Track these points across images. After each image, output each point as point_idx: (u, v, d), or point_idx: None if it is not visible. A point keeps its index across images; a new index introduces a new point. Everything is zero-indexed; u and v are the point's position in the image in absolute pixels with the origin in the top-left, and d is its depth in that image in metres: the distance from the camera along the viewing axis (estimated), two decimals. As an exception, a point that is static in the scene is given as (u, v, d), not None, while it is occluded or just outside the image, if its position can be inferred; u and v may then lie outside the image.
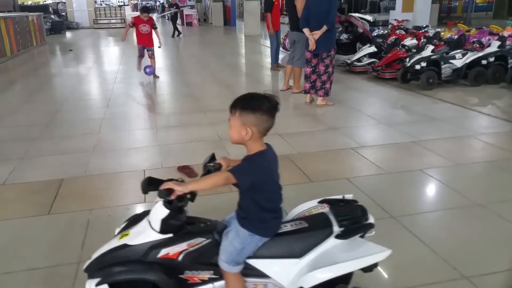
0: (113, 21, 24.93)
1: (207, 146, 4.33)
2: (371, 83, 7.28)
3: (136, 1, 34.39)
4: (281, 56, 9.16)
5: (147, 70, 7.79)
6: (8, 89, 7.79)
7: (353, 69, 8.05)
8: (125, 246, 1.69)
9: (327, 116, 5.36)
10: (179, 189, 1.60)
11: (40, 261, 2.44)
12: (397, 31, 9.28)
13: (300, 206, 1.97)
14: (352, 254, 1.67)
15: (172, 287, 1.68)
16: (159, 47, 8.54)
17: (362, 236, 1.78)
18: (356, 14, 9.83)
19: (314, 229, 1.74)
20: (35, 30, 15.02)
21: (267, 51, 12.49)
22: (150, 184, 1.66)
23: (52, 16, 22.57)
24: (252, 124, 1.64)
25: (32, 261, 2.44)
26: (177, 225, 1.70)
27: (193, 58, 11.48)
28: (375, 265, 1.74)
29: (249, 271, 1.73)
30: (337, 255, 1.67)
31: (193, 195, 1.71)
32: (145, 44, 7.95)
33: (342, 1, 27.00)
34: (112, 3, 45.72)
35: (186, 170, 3.65)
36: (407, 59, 6.71)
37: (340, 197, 1.87)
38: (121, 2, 48.95)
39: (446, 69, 6.60)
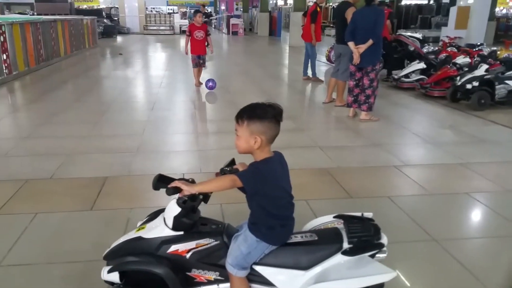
0: (162, 27, 25.76)
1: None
2: (418, 100, 7.07)
3: (185, 9, 35.31)
4: (324, 68, 9.12)
5: (209, 84, 7.35)
6: (61, 88, 8.17)
7: (400, 85, 7.86)
8: (140, 238, 1.79)
9: (370, 131, 5.24)
10: (186, 189, 1.68)
11: (79, 255, 2.51)
12: (448, 49, 8.99)
13: (316, 219, 1.97)
14: (357, 272, 1.65)
15: (178, 283, 1.72)
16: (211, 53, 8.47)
17: (373, 256, 1.73)
18: (406, 33, 9.65)
19: (323, 243, 1.74)
20: (89, 33, 15.69)
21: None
22: (161, 181, 1.73)
23: (105, 20, 23.51)
24: (260, 133, 1.69)
25: (72, 255, 2.51)
26: (188, 223, 1.76)
27: (237, 66, 11.62)
28: (380, 286, 1.69)
29: (256, 277, 1.74)
30: (342, 271, 1.66)
31: (206, 196, 1.80)
32: (200, 52, 7.69)
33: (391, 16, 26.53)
34: (162, 11, 47.23)
35: (225, 177, 3.65)
36: (458, 78, 6.47)
37: (358, 214, 1.83)
38: (171, 9, 50.42)
39: (500, 90, 6.30)
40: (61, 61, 11.68)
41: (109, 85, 8.61)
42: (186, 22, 27.44)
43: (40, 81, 8.77)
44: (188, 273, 1.78)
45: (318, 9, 8.23)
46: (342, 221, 1.79)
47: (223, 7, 32.34)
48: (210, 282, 1.80)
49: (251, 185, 1.69)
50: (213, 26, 36.94)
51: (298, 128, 5.29)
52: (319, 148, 4.45)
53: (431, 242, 2.71)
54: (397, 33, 9.51)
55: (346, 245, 1.69)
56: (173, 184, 1.70)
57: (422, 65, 7.75)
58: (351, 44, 5.43)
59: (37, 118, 5.59)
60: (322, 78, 8.95)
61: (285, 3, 47.21)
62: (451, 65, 7.21)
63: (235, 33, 24.69)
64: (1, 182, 3.56)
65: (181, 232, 1.77)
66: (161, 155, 4.33)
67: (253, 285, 1.76)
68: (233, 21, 25.10)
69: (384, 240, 1.74)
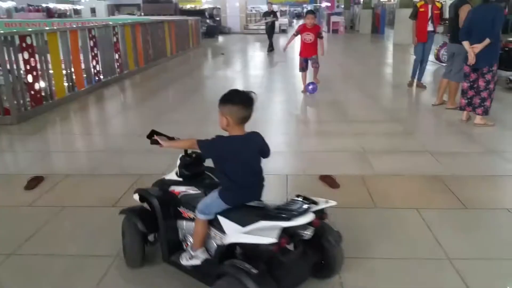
0: (262, 27, 26.23)
1: (350, 157, 4.27)
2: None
3: (285, 8, 35.60)
4: (432, 68, 8.54)
5: (310, 87, 7.19)
6: (169, 87, 8.73)
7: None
8: (163, 179, 2.50)
9: (485, 137, 4.82)
10: (161, 143, 2.23)
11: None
12: None
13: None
14: (260, 232, 1.91)
15: (166, 214, 2.33)
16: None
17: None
18: None
19: (263, 210, 2.08)
20: (193, 33, 16.22)
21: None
22: (152, 134, 2.29)
23: (208, 20, 24.47)
24: (228, 114, 2.05)
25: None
26: (186, 173, 2.36)
27: (338, 66, 11.41)
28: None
29: (216, 224, 2.15)
30: (259, 231, 1.92)
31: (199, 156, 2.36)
32: (307, 54, 7.21)
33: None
34: (262, 10, 48.09)
35: (328, 180, 3.64)
36: None
37: (323, 200, 2.11)
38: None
39: None
40: (168, 61, 12.33)
41: (213, 84, 8.99)
42: (286, 20, 27.67)
43: (149, 80, 9.45)
44: (178, 208, 2.36)
45: (420, 3, 7.27)
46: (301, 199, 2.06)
47: (323, 5, 31.94)
48: (191, 219, 2.29)
49: (205, 151, 2.12)
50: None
51: (405, 132, 5.07)
52: (429, 154, 4.21)
53: None
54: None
55: (274, 213, 1.99)
56: (156, 138, 2.27)
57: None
58: (466, 43, 5.05)
59: (148, 116, 6.04)
60: (430, 78, 8.39)
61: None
62: None
63: (335, 31, 24.25)
64: (117, 176, 3.86)
65: (180, 179, 2.38)
66: (265, 155, 4.44)
67: (213, 228, 2.18)
68: (333, 18, 24.69)
69: (297, 222, 1.91)
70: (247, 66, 12.23)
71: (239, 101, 2.05)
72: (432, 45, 7.56)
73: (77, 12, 37.19)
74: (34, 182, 3.63)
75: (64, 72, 6.92)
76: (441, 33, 21.57)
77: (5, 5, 37.35)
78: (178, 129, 5.42)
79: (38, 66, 6.12)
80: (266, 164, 4.05)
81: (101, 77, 8.30)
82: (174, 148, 2.30)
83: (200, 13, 27.08)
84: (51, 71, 6.47)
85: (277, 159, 4.34)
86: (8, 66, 5.52)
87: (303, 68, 7.34)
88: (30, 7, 36.58)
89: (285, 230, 1.88)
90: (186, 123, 5.34)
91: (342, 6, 29.08)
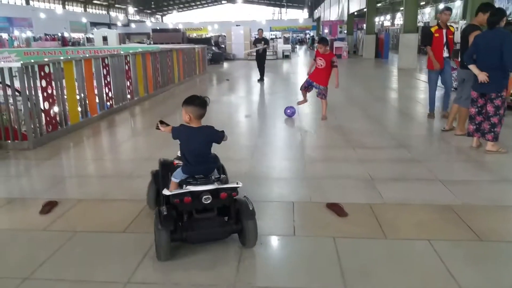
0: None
1: (358, 184, 4.15)
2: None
3: (288, 35, 36.17)
4: (439, 93, 8.43)
5: (288, 111, 7.36)
6: (177, 113, 8.71)
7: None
8: (178, 155, 3.27)
9: (497, 165, 4.70)
10: (160, 128, 3.15)
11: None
12: None
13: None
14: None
15: (160, 171, 3.33)
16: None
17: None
18: None
19: (192, 179, 2.94)
20: (199, 60, 16.69)
21: (422, 86, 11.78)
22: (160, 122, 3.18)
23: (213, 48, 25.10)
24: (189, 112, 2.93)
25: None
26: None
27: (342, 90, 11.39)
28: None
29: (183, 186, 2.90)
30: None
31: None
32: (315, 80, 7.17)
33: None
34: (266, 37, 48.89)
35: (336, 208, 3.53)
36: None
37: (234, 182, 2.92)
38: (274, 35, 51.99)
39: None
40: (175, 87, 12.59)
41: (218, 110, 8.98)
42: (288, 47, 28.06)
43: (157, 106, 9.57)
44: (169, 173, 3.14)
45: (434, 28, 6.98)
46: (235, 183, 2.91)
47: (326, 31, 32.44)
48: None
49: (173, 134, 3.00)
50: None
51: (414, 158, 4.95)
52: (439, 182, 4.09)
53: None
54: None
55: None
56: (159, 125, 3.17)
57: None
58: (473, 67, 5.00)
59: (156, 141, 6.01)
60: (437, 102, 8.26)
61: (392, 24, 45.90)
62: None
63: (338, 56, 24.54)
64: (127, 201, 3.87)
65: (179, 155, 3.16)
66: (270, 181, 4.35)
67: (182, 188, 2.88)
68: (336, 44, 25.04)
69: (196, 188, 2.80)
70: (251, 92, 12.27)
71: (198, 103, 2.93)
72: (450, 70, 7.11)
73: (89, 40, 39.02)
74: (49, 206, 3.73)
75: (78, 98, 7.13)
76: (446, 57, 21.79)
77: (24, 35, 39.41)
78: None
79: (54, 92, 6.32)
80: (272, 191, 4.02)
81: (113, 103, 8.46)
82: (166, 132, 3.09)
83: (206, 41, 27.64)
84: (65, 96, 6.65)
85: (282, 185, 4.26)
86: (27, 93, 5.72)
87: (305, 88, 7.38)
88: (47, 36, 38.43)
89: (192, 193, 2.77)
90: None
91: (345, 32, 29.47)
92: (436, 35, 6.90)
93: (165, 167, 3.29)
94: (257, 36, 14.22)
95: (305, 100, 7.73)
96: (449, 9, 7.18)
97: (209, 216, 2.88)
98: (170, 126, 3.05)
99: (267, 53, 14.83)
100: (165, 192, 2.84)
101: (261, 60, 13.68)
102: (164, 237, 2.69)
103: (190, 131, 2.94)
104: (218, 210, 2.93)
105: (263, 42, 13.51)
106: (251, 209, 2.86)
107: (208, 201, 2.77)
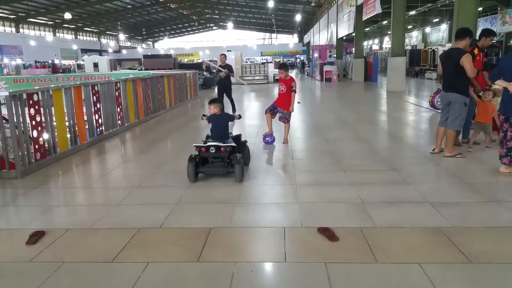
0: (256, 77, 26.92)
1: (348, 208, 4.17)
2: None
3: (279, 59, 36.75)
4: (427, 114, 8.59)
5: (266, 139, 7.36)
6: (167, 139, 8.79)
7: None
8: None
9: (486, 186, 4.74)
10: (203, 118, 5.71)
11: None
12: None
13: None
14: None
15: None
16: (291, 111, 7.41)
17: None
18: None
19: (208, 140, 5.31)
20: (191, 85, 16.79)
21: (411, 108, 11.97)
22: (204, 115, 5.68)
23: (205, 73, 25.33)
24: (216, 106, 5.51)
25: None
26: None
27: (332, 113, 11.54)
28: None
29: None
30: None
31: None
32: (278, 104, 7.28)
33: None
34: (257, 61, 49.67)
35: (327, 233, 3.53)
36: None
37: (230, 144, 5.15)
38: (264, 59, 52.69)
39: None
40: (166, 113, 12.61)
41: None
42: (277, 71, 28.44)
43: (148, 132, 9.54)
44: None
45: (476, 50, 6.43)
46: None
47: (316, 55, 32.99)
48: None
49: (208, 120, 5.52)
50: (305, 73, 37.80)
51: (404, 181, 4.99)
52: (429, 204, 4.12)
53: None
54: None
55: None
56: (202, 117, 5.74)
57: None
58: (500, 81, 4.98)
59: (146, 168, 6.01)
60: (426, 125, 8.39)
61: (380, 48, 46.85)
62: None
63: (328, 79, 24.96)
64: (116, 230, 3.83)
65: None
66: (261, 207, 4.34)
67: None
68: (326, 68, 25.47)
69: (207, 144, 5.12)
70: (243, 116, 12.31)
71: (219, 101, 5.59)
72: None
73: (80, 67, 38.86)
74: (35, 237, 3.66)
75: (67, 125, 7.10)
76: (434, 80, 22.19)
77: (14, 62, 39.08)
78: (176, 179, 5.40)
79: (43, 120, 6.29)
80: (263, 216, 4.02)
81: (103, 129, 8.43)
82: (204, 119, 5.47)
83: (197, 66, 27.85)
84: (54, 123, 6.63)
85: (273, 210, 4.25)
86: (15, 120, 5.69)
87: (270, 110, 7.38)
88: (37, 64, 38.20)
89: (206, 147, 5.05)
90: (184, 172, 5.26)
91: (335, 56, 29.98)
92: (478, 58, 6.46)
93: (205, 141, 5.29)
94: (219, 63, 12.26)
95: (270, 131, 7.50)
96: (494, 33, 6.69)
97: (216, 162, 5.12)
98: (206, 116, 5.52)
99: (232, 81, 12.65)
100: (194, 144, 5.13)
101: (222, 89, 11.85)
102: (191, 167, 5.03)
103: (216, 116, 5.45)
104: (222, 160, 5.10)
105: (226, 70, 11.60)
106: (238, 158, 5.01)
107: (213, 151, 5.04)
